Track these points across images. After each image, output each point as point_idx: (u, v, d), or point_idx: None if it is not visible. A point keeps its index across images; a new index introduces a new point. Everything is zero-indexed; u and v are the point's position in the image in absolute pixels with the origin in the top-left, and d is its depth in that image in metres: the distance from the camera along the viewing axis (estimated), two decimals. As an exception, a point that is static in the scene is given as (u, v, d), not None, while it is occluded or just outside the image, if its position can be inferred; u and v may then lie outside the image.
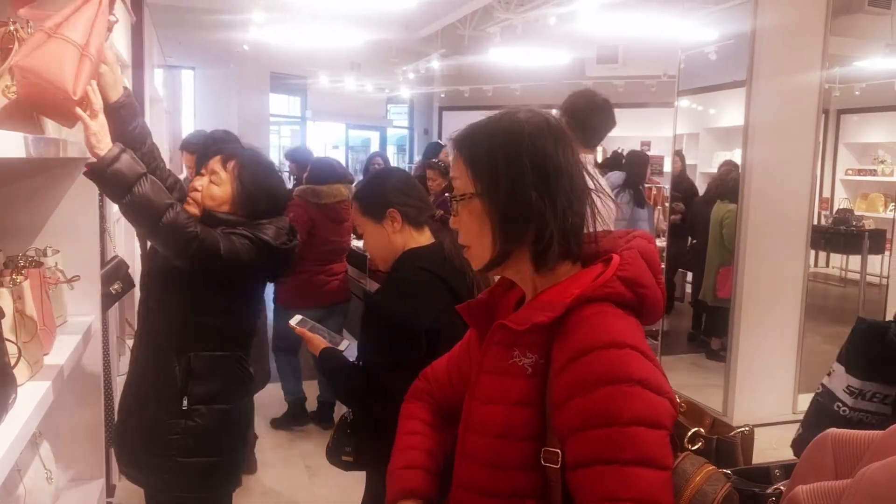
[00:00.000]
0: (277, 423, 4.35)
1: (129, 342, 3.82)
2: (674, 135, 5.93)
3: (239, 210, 2.04)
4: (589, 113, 2.91)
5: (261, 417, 4.06)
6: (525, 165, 1.06)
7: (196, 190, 2.07)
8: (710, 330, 5.65)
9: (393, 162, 13.83)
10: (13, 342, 1.39)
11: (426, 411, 1.33)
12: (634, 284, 1.04)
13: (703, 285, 5.36)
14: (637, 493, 0.91)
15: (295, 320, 2.01)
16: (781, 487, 1.11)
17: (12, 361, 1.36)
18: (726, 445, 1.36)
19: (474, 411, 1.11)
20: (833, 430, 0.85)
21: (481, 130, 1.13)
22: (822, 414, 2.28)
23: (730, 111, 6.70)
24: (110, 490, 2.72)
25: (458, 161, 1.14)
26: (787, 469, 1.21)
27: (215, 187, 2.05)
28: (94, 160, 1.68)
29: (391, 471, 1.24)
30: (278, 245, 2.00)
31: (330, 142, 13.28)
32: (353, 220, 1.93)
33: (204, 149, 2.21)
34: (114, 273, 2.54)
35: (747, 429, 1.47)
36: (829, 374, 2.30)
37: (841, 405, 2.24)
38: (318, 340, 1.91)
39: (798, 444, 2.34)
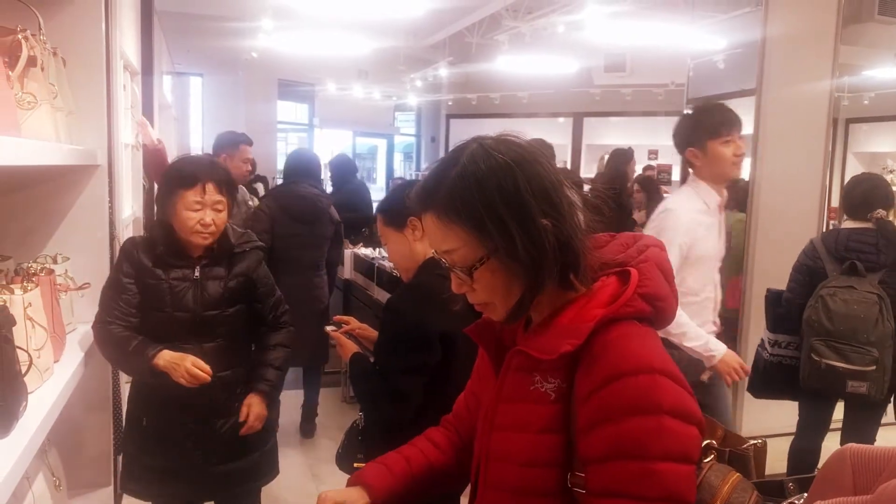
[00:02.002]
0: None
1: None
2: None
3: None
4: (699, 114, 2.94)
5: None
6: (527, 200, 0.98)
7: (209, 225, 2.10)
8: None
9: (399, 170, 13.87)
10: (24, 350, 1.40)
11: (439, 433, 1.34)
12: (654, 299, 1.02)
13: (712, 294, 5.33)
14: None
15: (330, 327, 2.08)
16: (796, 501, 1.10)
17: (23, 369, 1.36)
18: (739, 458, 1.34)
19: (495, 440, 1.08)
20: (852, 445, 0.84)
21: (463, 184, 1.00)
22: (758, 360, 3.27)
23: (738, 120, 6.68)
24: (117, 498, 2.71)
25: (449, 229, 1.02)
26: (800, 483, 1.20)
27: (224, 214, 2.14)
28: None
29: None
30: None
31: (337, 149, 13.31)
32: (379, 233, 1.97)
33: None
34: (123, 280, 2.53)
35: (760, 441, 1.45)
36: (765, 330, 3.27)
37: (766, 352, 3.21)
38: (350, 346, 1.97)
39: (750, 387, 3.34)
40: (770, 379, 3.24)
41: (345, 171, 5.82)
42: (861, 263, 2.94)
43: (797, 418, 3.35)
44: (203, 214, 2.07)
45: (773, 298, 3.25)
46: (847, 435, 3.12)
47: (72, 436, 2.25)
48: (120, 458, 2.42)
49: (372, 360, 1.92)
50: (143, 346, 2.02)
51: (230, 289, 2.17)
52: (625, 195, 5.68)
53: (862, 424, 3.06)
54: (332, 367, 5.65)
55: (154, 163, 3.89)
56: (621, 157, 5.87)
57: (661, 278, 1.05)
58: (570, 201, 1.03)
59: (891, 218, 3.14)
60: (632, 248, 1.10)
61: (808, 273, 3.09)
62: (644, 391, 0.93)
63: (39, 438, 1.39)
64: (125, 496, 3.00)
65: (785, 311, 3.16)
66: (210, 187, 2.07)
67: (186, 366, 1.99)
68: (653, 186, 6.07)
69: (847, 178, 9.26)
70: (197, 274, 2.13)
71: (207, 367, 2.02)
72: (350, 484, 1.26)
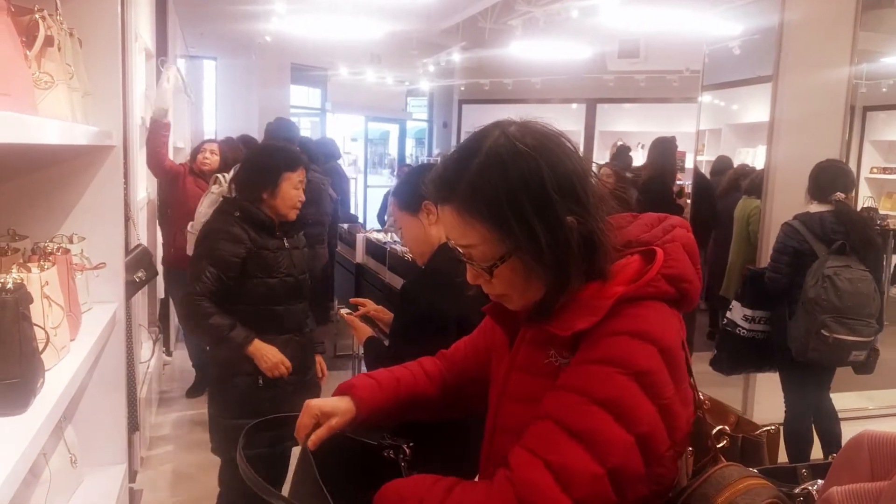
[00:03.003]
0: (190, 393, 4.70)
1: (152, 331, 3.87)
2: (697, 130, 5.87)
3: None
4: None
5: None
6: (553, 198, 0.94)
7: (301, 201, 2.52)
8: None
9: (409, 158, 13.85)
10: (41, 327, 1.41)
11: (432, 364, 1.36)
12: (679, 281, 1.00)
13: (725, 282, 5.29)
14: (555, 460, 0.87)
15: (345, 310, 2.15)
16: (809, 488, 1.10)
17: (40, 347, 1.37)
18: (751, 444, 1.34)
19: (505, 410, 1.08)
20: (869, 431, 0.83)
21: (485, 179, 0.95)
22: (728, 337, 3.54)
23: (753, 107, 6.62)
24: (132, 476, 2.75)
25: (470, 225, 0.98)
26: (814, 469, 1.20)
27: None
28: None
29: None
30: None
31: (349, 134, 13.30)
32: (393, 217, 1.99)
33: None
34: (138, 261, 2.56)
35: (773, 428, 1.45)
36: (730, 310, 3.55)
37: (741, 329, 3.45)
38: (365, 329, 1.99)
39: (715, 363, 3.62)
40: (743, 355, 3.54)
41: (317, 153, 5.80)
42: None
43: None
44: (300, 193, 2.46)
45: (754, 277, 3.51)
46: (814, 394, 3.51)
47: (87, 414, 2.28)
48: (136, 437, 2.45)
49: (387, 343, 1.93)
50: (238, 330, 2.38)
51: (305, 256, 2.60)
52: (671, 192, 5.36)
53: (827, 386, 3.52)
54: (344, 350, 5.70)
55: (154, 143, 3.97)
56: (667, 148, 5.38)
57: (686, 259, 1.03)
58: (596, 193, 1.00)
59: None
60: (657, 228, 1.08)
61: (795, 254, 3.31)
62: (625, 350, 0.92)
63: (56, 415, 1.40)
64: (139, 474, 3.04)
65: (770, 289, 3.39)
66: (303, 170, 2.49)
67: (278, 360, 2.41)
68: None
69: (863, 167, 9.17)
70: (286, 244, 2.50)
71: (290, 365, 2.44)
72: (338, 393, 1.25)
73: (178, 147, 5.79)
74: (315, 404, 1.20)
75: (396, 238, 5.07)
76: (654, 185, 5.20)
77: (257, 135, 6.10)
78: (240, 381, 2.46)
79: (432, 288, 1.79)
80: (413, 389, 1.29)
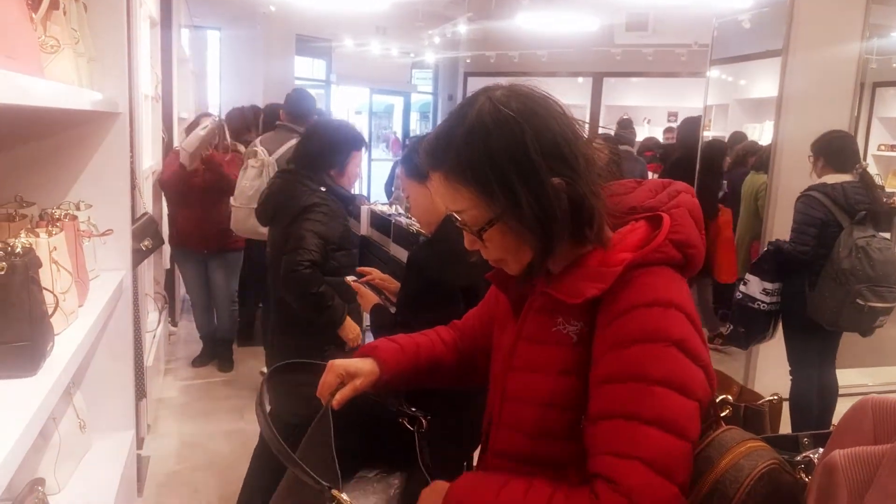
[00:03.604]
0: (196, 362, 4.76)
1: (158, 301, 3.90)
2: (704, 105, 5.82)
3: None
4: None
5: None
6: (536, 160, 0.95)
7: None
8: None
9: (418, 129, 13.77)
10: (50, 291, 1.42)
11: (447, 332, 1.36)
12: (685, 246, 1.01)
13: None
14: (648, 454, 0.87)
15: (351, 277, 2.16)
16: (811, 455, 1.11)
17: (49, 311, 1.38)
18: (754, 414, 1.35)
19: (512, 380, 1.08)
20: (873, 396, 0.84)
21: (469, 145, 0.97)
22: (745, 312, 3.55)
23: (761, 82, 6.55)
24: (139, 442, 2.78)
25: (457, 191, 1.00)
26: (816, 438, 1.21)
27: None
28: None
29: None
30: None
31: (353, 107, 13.22)
32: (401, 185, 1.98)
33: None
34: (144, 229, 2.57)
35: (776, 398, 1.46)
36: (744, 284, 3.56)
37: (759, 303, 3.49)
38: (371, 297, 1.99)
39: (732, 338, 3.71)
40: (760, 328, 3.56)
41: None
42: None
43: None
44: (360, 171, 2.74)
45: (778, 250, 3.50)
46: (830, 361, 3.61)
47: (95, 380, 2.30)
48: (143, 403, 2.47)
49: (393, 311, 1.94)
50: (337, 300, 2.54)
51: None
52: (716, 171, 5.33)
53: (833, 356, 3.61)
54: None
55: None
56: (696, 127, 5.37)
57: (692, 225, 1.04)
58: (586, 156, 1.00)
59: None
60: (662, 194, 1.08)
61: (821, 226, 3.33)
62: (654, 321, 0.93)
63: (66, 378, 1.42)
64: (146, 441, 3.08)
65: (796, 261, 3.39)
66: (365, 149, 2.78)
67: (358, 331, 2.62)
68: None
69: (871, 144, 9.03)
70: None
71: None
72: (360, 355, 1.25)
73: (182, 118, 5.76)
74: (340, 364, 1.19)
75: (401, 210, 5.07)
76: (685, 163, 5.28)
77: (262, 105, 6.05)
78: (331, 352, 2.52)
79: (439, 257, 1.79)
80: (432, 355, 1.30)
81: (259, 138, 4.21)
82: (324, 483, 1.00)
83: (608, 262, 1.00)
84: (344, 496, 0.99)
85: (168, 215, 4.37)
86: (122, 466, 2.18)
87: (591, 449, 0.93)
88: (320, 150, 2.64)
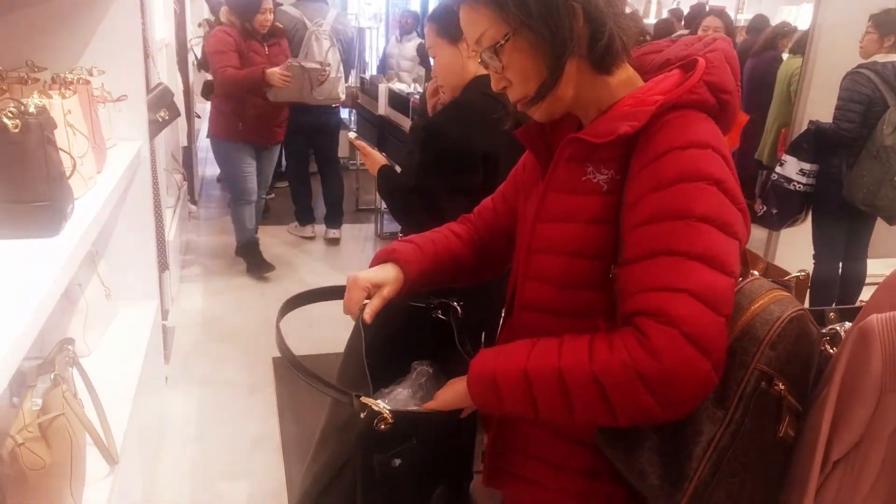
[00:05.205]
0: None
1: (177, 177, 3.89)
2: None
3: None
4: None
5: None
6: None
7: None
8: (760, 192, 5.51)
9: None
10: (67, 152, 1.40)
11: (459, 227, 1.33)
12: (719, 90, 0.97)
13: (761, 143, 5.15)
14: (695, 287, 0.85)
15: (352, 134, 2.04)
16: (837, 328, 1.10)
17: (67, 173, 1.37)
18: (780, 289, 1.34)
19: (540, 231, 1.06)
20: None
21: None
22: (780, 193, 3.57)
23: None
24: (164, 314, 2.85)
25: (478, 12, 1.01)
26: (842, 313, 1.19)
27: None
28: None
29: None
30: None
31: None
32: (427, 42, 1.86)
33: None
34: (159, 100, 2.51)
35: (802, 273, 1.44)
36: (780, 165, 3.58)
37: (795, 184, 3.50)
38: (378, 157, 1.94)
39: (765, 220, 3.68)
40: (794, 209, 3.55)
41: None
42: None
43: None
44: None
45: (819, 131, 3.43)
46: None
47: (119, 251, 2.33)
48: (166, 275, 2.51)
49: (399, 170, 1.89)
50: None
51: None
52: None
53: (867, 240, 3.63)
54: (366, 205, 5.74)
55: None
56: (766, 22, 5.38)
57: (728, 70, 1.00)
58: None
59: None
60: (698, 44, 1.04)
61: (868, 103, 3.23)
62: (694, 161, 0.90)
63: (88, 241, 1.42)
64: (170, 313, 3.16)
65: (839, 140, 3.31)
66: None
67: None
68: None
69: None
70: None
71: None
72: (378, 259, 1.22)
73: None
74: (365, 276, 1.16)
75: (420, 89, 4.94)
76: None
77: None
78: None
79: (462, 121, 1.72)
80: (449, 250, 1.27)
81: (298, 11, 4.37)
82: (350, 392, 1.00)
83: (641, 103, 0.98)
84: (372, 400, 0.99)
85: (232, 112, 4.07)
86: (148, 334, 2.24)
87: (628, 290, 0.91)
88: None
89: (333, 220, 4.98)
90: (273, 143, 4.36)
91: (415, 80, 5.90)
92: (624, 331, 0.88)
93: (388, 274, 1.18)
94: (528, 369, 0.92)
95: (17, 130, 1.20)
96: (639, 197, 0.93)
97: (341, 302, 1.18)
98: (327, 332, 2.85)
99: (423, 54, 6.32)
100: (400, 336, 1.22)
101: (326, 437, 1.13)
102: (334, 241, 5.00)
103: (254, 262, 4.34)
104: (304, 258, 4.73)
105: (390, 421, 0.97)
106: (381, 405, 0.98)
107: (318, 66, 4.18)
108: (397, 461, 1.00)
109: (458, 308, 1.24)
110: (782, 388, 0.93)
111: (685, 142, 0.91)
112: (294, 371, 1.06)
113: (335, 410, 1.15)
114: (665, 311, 0.84)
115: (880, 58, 3.30)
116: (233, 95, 3.99)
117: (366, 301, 1.15)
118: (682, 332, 0.83)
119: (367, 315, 1.13)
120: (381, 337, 1.13)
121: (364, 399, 0.99)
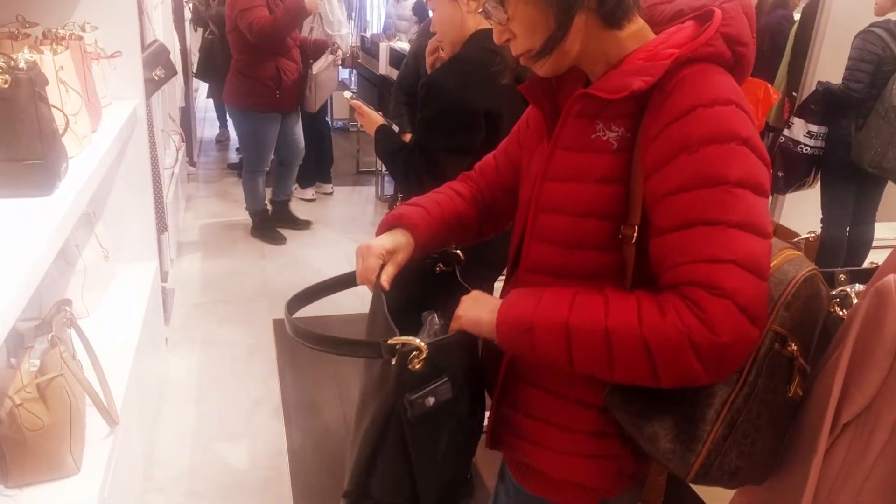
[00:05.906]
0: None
1: (175, 139, 3.84)
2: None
3: None
4: None
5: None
6: None
7: None
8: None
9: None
10: (60, 110, 1.36)
11: (461, 186, 1.30)
12: (735, 42, 0.93)
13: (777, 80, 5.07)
14: (740, 256, 0.84)
15: (348, 94, 2.02)
16: (847, 289, 1.08)
17: (60, 131, 1.33)
18: (789, 251, 1.32)
19: (547, 190, 1.03)
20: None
21: None
22: (787, 155, 3.55)
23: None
24: (163, 276, 2.83)
25: None
26: (853, 274, 1.17)
27: None
28: None
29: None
30: None
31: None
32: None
33: None
34: (155, 57, 2.46)
35: (812, 235, 1.42)
36: (788, 128, 3.56)
37: (802, 146, 3.48)
38: (375, 116, 1.89)
39: (777, 187, 3.65)
40: (802, 172, 3.52)
41: None
42: None
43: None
44: None
45: (828, 92, 3.39)
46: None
47: (116, 212, 2.30)
48: (165, 237, 2.48)
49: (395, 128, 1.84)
50: None
51: None
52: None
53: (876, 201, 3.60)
54: (366, 167, 5.69)
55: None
56: None
57: (745, 21, 0.95)
58: None
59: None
60: None
61: (877, 63, 3.18)
62: (721, 120, 0.87)
63: (83, 200, 1.39)
64: (169, 275, 3.14)
65: (848, 100, 3.27)
66: None
67: None
68: None
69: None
70: None
71: None
72: (385, 226, 1.21)
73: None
74: (377, 244, 1.15)
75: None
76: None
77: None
78: None
79: (462, 77, 1.67)
80: (455, 211, 1.25)
81: None
82: (377, 340, 0.99)
83: (655, 57, 0.93)
84: (405, 337, 0.98)
85: (270, 79, 3.96)
86: (147, 295, 2.23)
87: (669, 260, 0.89)
88: None
89: (324, 175, 5.14)
90: (298, 105, 4.31)
91: (411, 40, 5.81)
92: (672, 298, 0.87)
93: (399, 240, 1.17)
94: (569, 323, 0.91)
95: (6, 86, 1.16)
96: (666, 159, 0.89)
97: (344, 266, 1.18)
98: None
99: (420, 13, 6.22)
100: (414, 298, 1.21)
101: (366, 402, 1.13)
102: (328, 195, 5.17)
103: (268, 232, 4.34)
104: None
105: (425, 353, 0.97)
106: (414, 339, 0.98)
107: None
108: (431, 399, 1.01)
109: (460, 253, 1.23)
110: (795, 348, 0.92)
111: (709, 98, 0.88)
112: (322, 349, 1.05)
113: (369, 371, 1.14)
114: (718, 283, 0.83)
115: (894, 16, 3.22)
116: (270, 49, 3.88)
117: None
118: (736, 305, 0.83)
119: (384, 281, 1.13)
120: (395, 301, 1.13)
121: (394, 339, 0.98)
